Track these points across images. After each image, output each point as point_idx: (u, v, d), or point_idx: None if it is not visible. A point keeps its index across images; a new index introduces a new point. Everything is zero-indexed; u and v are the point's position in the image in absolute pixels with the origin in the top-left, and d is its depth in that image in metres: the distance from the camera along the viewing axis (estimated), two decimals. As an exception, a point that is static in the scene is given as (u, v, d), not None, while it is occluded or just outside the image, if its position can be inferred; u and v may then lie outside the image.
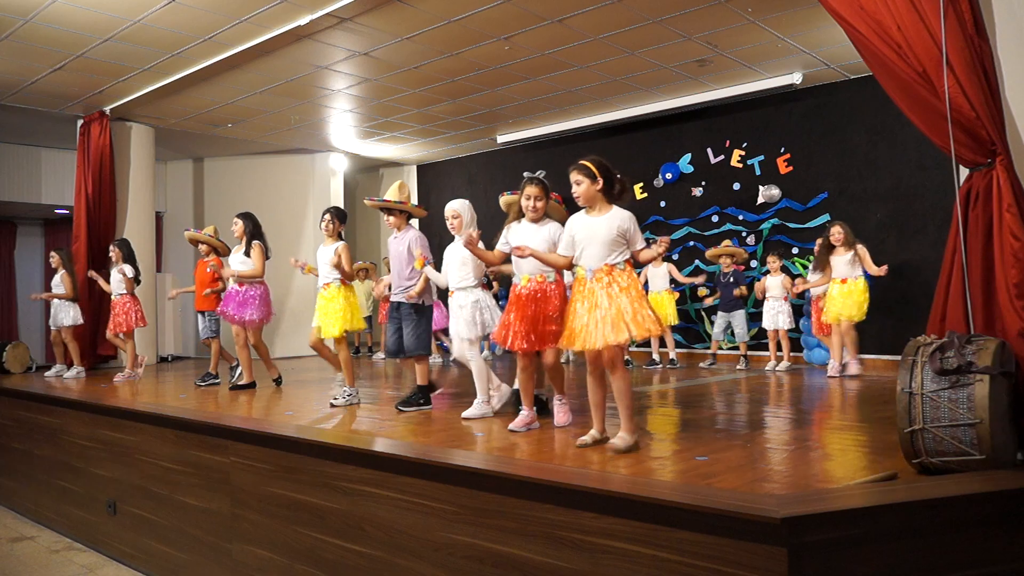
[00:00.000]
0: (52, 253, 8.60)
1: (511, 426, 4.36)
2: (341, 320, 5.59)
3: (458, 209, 4.93)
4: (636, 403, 5.56)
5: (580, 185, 3.73)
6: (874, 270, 6.86)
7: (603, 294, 3.61)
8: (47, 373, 8.49)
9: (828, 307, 7.03)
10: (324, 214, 5.89)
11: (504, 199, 4.95)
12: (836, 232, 6.99)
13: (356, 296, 5.85)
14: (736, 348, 8.53)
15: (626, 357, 8.71)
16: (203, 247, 7.50)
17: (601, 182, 3.72)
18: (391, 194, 5.42)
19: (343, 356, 5.77)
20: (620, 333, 3.52)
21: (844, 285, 6.93)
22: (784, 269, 8.07)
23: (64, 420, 6.14)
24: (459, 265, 4.87)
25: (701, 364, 8.33)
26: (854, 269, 6.90)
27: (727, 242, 8.83)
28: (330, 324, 5.59)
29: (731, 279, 8.27)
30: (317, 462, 3.92)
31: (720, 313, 8.38)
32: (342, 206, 12.26)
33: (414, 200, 13.16)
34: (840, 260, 6.96)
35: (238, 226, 6.84)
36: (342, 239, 5.82)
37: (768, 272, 8.14)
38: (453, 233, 4.95)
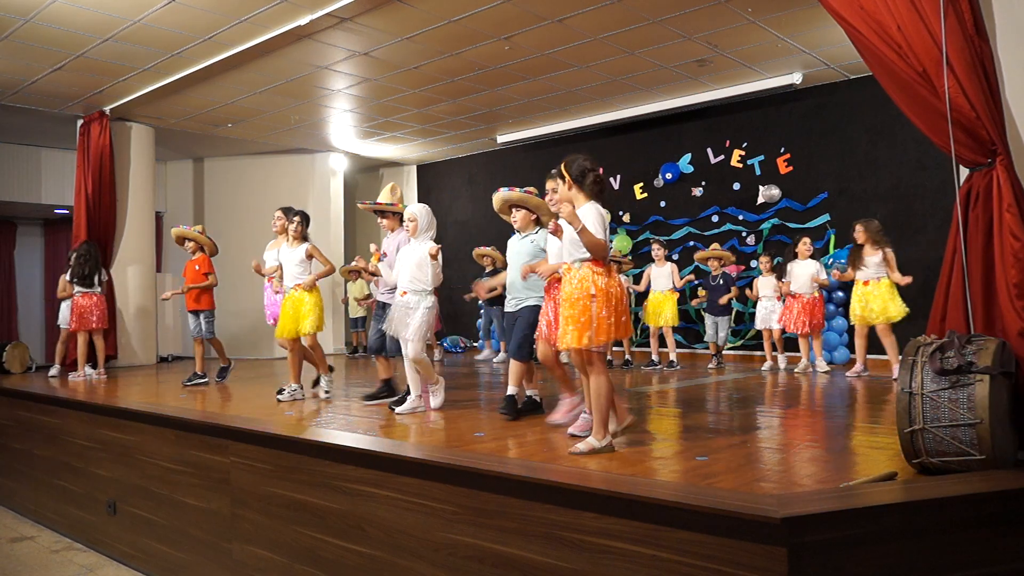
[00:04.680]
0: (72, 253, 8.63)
1: (551, 420, 4.46)
2: (316, 319, 5.89)
3: (416, 213, 5.07)
4: (636, 403, 5.57)
5: (555, 192, 3.87)
6: (897, 277, 6.69)
7: (564, 295, 3.64)
8: (73, 374, 8.14)
9: (852, 308, 6.95)
10: (293, 216, 6.05)
11: (497, 196, 4.96)
12: (858, 230, 6.86)
13: (322, 298, 6.08)
14: (734, 348, 8.51)
15: (627, 357, 8.73)
16: (191, 245, 7.46)
17: (569, 180, 3.73)
18: (384, 197, 5.62)
19: (318, 351, 6.07)
20: (567, 339, 3.57)
21: (867, 287, 6.78)
22: (778, 268, 8.04)
23: (64, 420, 6.14)
24: (415, 268, 4.99)
25: (710, 366, 8.32)
26: (879, 270, 6.75)
27: (715, 245, 8.80)
28: (307, 322, 5.86)
29: (720, 282, 8.26)
30: (317, 462, 3.92)
31: (707, 316, 8.38)
32: (342, 206, 12.32)
33: (412, 200, 13.21)
34: (867, 260, 6.81)
35: (283, 222, 6.55)
36: (307, 240, 6.05)
37: (760, 273, 8.13)
38: (408, 234, 5.11)
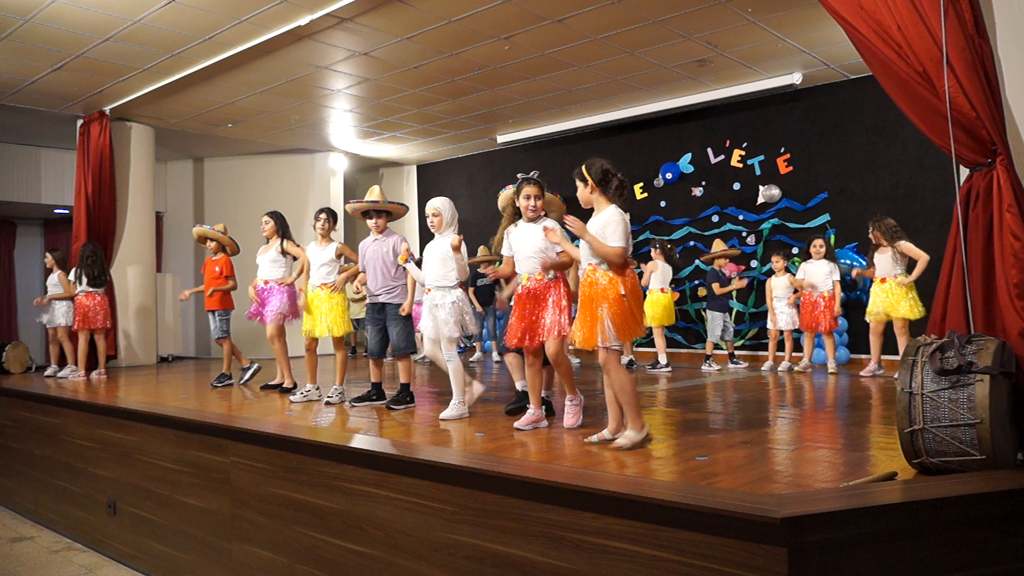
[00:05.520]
0: (47, 254, 8.69)
1: (516, 424, 4.38)
2: (343, 321, 5.79)
3: (439, 207, 4.96)
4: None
5: (577, 190, 3.82)
6: (902, 278, 6.66)
7: (586, 296, 3.69)
8: (47, 372, 8.44)
9: (869, 306, 6.97)
10: (319, 214, 6.01)
11: (504, 195, 4.95)
12: (871, 230, 6.96)
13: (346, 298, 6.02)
14: (722, 347, 8.46)
15: (630, 358, 8.69)
16: (212, 244, 7.45)
17: (591, 183, 3.75)
18: (373, 197, 5.48)
19: (340, 357, 5.88)
20: (586, 338, 3.64)
21: (884, 284, 6.82)
22: (787, 270, 8.02)
23: (64, 420, 6.14)
24: (439, 263, 4.88)
25: (703, 366, 8.29)
26: (895, 268, 6.77)
27: (720, 244, 8.73)
28: (335, 324, 5.76)
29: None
30: (317, 462, 3.92)
31: (714, 313, 8.30)
32: (342, 206, 12.30)
33: (411, 201, 13.19)
34: (881, 259, 6.86)
35: (271, 226, 6.62)
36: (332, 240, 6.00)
37: (773, 273, 8.11)
38: (433, 231, 5.00)
